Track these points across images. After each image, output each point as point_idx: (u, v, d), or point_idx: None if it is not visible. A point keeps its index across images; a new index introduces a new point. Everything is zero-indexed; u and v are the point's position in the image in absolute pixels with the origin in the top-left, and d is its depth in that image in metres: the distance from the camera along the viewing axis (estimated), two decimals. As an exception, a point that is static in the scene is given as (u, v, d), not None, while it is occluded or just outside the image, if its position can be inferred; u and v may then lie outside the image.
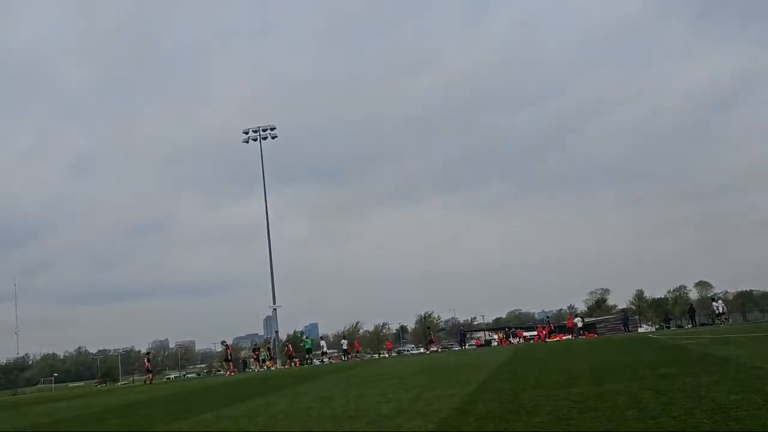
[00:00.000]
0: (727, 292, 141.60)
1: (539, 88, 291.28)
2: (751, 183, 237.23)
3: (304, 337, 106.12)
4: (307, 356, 64.79)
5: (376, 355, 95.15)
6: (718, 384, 11.61)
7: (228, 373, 48.21)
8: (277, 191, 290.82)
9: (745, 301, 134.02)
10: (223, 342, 57.41)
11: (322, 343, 69.80)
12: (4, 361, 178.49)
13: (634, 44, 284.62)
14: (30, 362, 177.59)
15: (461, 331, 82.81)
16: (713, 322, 60.41)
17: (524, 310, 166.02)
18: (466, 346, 74.63)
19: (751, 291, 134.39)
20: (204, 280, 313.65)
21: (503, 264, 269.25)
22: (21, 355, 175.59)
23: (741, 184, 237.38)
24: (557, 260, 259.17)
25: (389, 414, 12.19)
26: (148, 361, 53.57)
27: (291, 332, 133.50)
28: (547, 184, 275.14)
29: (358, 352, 70.81)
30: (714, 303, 50.62)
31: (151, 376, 51.45)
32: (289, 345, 61.30)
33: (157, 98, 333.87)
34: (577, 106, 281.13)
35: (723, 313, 51.35)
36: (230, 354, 51.90)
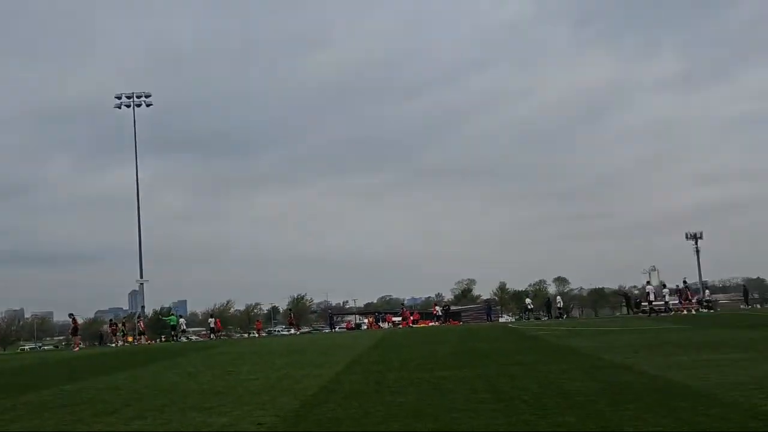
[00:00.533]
0: (581, 288, 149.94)
1: (424, 81, 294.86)
2: (610, 189, 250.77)
3: (171, 313, 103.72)
4: (173, 333, 63.58)
5: (246, 335, 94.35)
6: (565, 372, 12.51)
7: (75, 347, 46.54)
8: (157, 161, 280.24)
9: (597, 298, 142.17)
10: (70, 315, 55.22)
11: (182, 320, 68.05)
12: None
13: (519, 46, 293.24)
14: None
15: (330, 314, 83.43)
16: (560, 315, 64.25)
17: (395, 296, 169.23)
18: (336, 329, 75.32)
19: (603, 288, 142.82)
20: (68, 249, 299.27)
21: (377, 251, 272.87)
22: None
23: (602, 189, 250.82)
24: (430, 249, 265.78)
25: (257, 391, 12.38)
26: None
27: (158, 308, 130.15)
28: (426, 176, 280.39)
29: (220, 331, 69.42)
30: (648, 287, 52.24)
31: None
32: (141, 320, 58.82)
33: (32, 57, 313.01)
34: (461, 102, 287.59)
35: (655, 301, 52.27)
36: (77, 328, 50.04)
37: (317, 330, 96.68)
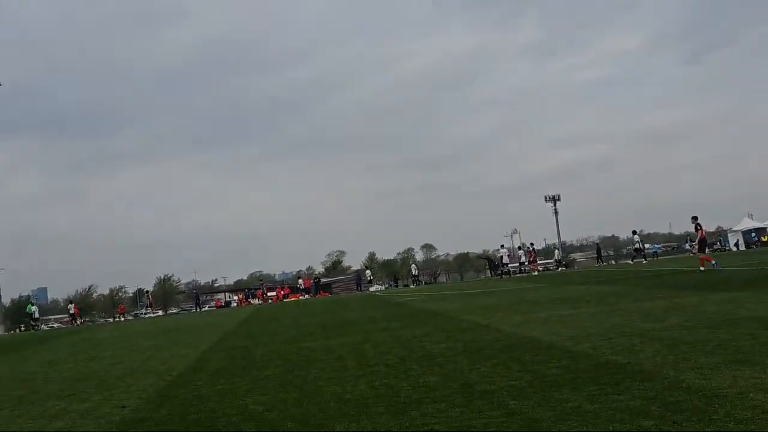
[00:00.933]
0: (448, 254, 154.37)
1: (286, 54, 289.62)
2: (472, 155, 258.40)
3: (30, 302, 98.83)
4: (32, 322, 60.98)
5: (111, 319, 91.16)
6: (428, 335, 13.00)
7: None
8: (10, 144, 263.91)
9: (462, 262, 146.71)
10: None
11: (34, 308, 64.99)
12: None
13: (379, 15, 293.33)
14: None
15: (195, 293, 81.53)
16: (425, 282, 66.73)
17: (266, 271, 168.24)
18: (205, 308, 74.01)
19: (467, 253, 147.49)
20: None
21: (246, 227, 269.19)
22: None
23: (467, 156, 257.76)
24: (299, 223, 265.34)
25: (121, 375, 12.14)
26: None
27: (17, 297, 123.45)
28: (293, 150, 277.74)
29: (77, 316, 66.73)
30: (501, 251, 53.63)
31: None
32: None
33: None
34: (326, 74, 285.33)
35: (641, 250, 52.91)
36: None
37: (185, 310, 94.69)
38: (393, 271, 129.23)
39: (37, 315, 63.06)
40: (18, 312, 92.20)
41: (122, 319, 67.16)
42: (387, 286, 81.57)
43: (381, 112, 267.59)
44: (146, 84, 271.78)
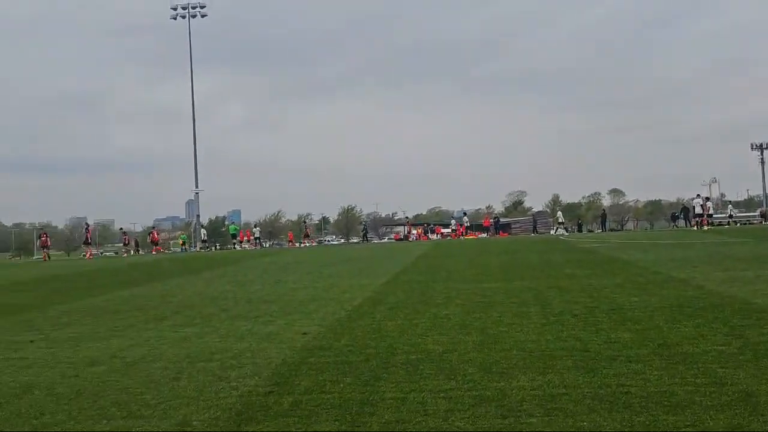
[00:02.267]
0: (637, 200, 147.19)
1: None
2: (675, 98, 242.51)
3: (227, 222, 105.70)
4: (233, 241, 65.70)
5: (297, 244, 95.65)
6: (620, 286, 12.19)
7: (87, 255, 47.49)
8: (221, 72, 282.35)
9: (653, 210, 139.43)
10: (85, 224, 56.50)
11: (256, 229, 69.45)
12: None
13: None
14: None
15: (364, 225, 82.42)
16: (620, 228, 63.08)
17: (444, 208, 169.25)
18: (384, 240, 75.66)
19: (659, 200, 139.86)
20: (131, 158, 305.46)
21: (429, 163, 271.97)
22: None
23: (665, 98, 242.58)
24: (481, 162, 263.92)
25: (303, 300, 12.41)
26: (46, 235, 52.30)
27: (213, 217, 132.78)
28: (482, 86, 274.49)
29: (291, 241, 70.92)
30: (696, 200, 50.12)
31: (45, 253, 50.27)
32: (154, 231, 57.86)
33: None
34: (522, 10, 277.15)
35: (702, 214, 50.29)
36: (89, 237, 51.00)
37: (366, 241, 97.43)
38: (577, 215, 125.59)
39: (258, 235, 67.65)
40: (215, 231, 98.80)
41: (299, 245, 69.99)
42: (569, 230, 79.17)
43: (580, 50, 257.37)
44: (343, 22, 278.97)
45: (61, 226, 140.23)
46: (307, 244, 66.92)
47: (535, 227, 69.04)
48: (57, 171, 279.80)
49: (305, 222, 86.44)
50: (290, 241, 76.88)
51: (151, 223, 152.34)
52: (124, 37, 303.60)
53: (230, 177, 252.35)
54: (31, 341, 9.06)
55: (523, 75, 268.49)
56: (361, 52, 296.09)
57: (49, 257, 48.43)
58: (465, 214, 72.43)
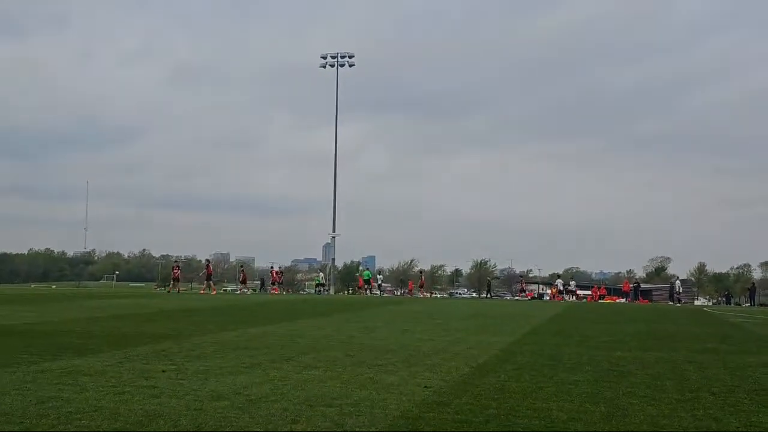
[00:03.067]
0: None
1: (651, 44, 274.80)
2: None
3: (361, 268, 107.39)
4: (366, 287, 66.82)
5: (428, 294, 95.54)
6: (766, 366, 11.33)
7: (203, 291, 48.62)
8: (369, 120, 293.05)
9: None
10: (206, 261, 58.20)
11: (380, 276, 70.38)
12: (71, 254, 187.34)
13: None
14: (96, 258, 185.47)
15: (488, 280, 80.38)
16: None
17: (582, 268, 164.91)
18: (518, 297, 74.17)
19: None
20: (274, 200, 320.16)
21: (571, 220, 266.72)
22: (88, 250, 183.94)
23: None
24: (626, 222, 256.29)
25: (428, 352, 12.29)
26: (178, 269, 54.50)
27: (348, 262, 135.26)
28: (633, 145, 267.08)
29: (410, 291, 71.06)
30: None
31: (208, 284, 52.58)
32: (209, 265, 57.71)
33: (268, 17, 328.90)
34: (687, 68, 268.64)
35: None
36: (210, 273, 52.36)
37: (498, 297, 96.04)
38: (724, 286, 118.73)
39: (381, 282, 68.58)
40: (348, 275, 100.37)
41: (410, 294, 69.76)
42: (716, 301, 74.83)
43: (746, 112, 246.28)
44: (501, 71, 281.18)
45: (203, 260, 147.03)
46: (421, 295, 66.69)
47: (671, 295, 65.50)
48: (207, 209, 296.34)
49: (421, 272, 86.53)
50: (410, 290, 76.38)
51: (288, 264, 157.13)
52: (279, 84, 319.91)
53: (369, 223, 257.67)
54: (163, 371, 9.43)
55: (678, 136, 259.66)
56: (512, 107, 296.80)
57: (178, 290, 50.22)
58: (602, 276, 69.76)
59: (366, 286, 65.29)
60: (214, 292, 49.99)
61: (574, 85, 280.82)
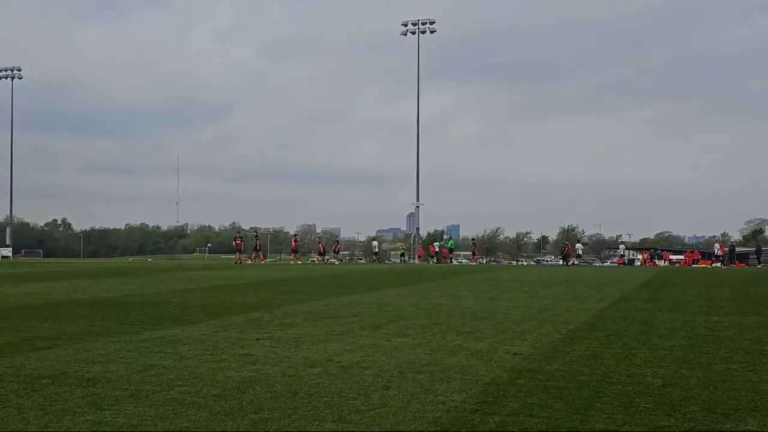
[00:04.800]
0: None
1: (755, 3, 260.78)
2: None
3: (445, 237, 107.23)
4: (451, 255, 66.93)
5: (514, 262, 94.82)
6: None
7: (251, 261, 48.76)
8: (461, 88, 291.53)
9: None
10: (255, 230, 58.73)
11: (437, 243, 68.39)
12: (165, 228, 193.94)
13: None
14: (188, 231, 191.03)
15: (565, 245, 77.98)
16: None
17: (674, 233, 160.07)
18: (607, 263, 72.81)
19: None
20: (362, 171, 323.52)
21: (663, 184, 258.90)
22: (181, 224, 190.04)
23: None
24: (721, 185, 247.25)
25: (517, 320, 12.23)
26: (296, 242, 56.91)
27: (432, 231, 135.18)
28: (735, 107, 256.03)
29: (427, 256, 68.13)
30: None
31: (295, 256, 54.12)
32: (258, 236, 56.80)
33: None
34: None
35: None
36: (258, 243, 52.75)
37: (586, 263, 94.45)
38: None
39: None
40: (432, 244, 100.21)
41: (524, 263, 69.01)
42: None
43: None
44: (592, 36, 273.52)
45: (292, 232, 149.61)
46: (473, 262, 65.43)
47: (758, 258, 62.69)
48: (297, 181, 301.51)
49: (473, 240, 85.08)
50: (431, 255, 72.23)
51: (373, 234, 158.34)
52: (370, 54, 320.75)
53: (455, 192, 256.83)
54: (257, 339, 9.70)
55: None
56: (607, 71, 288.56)
57: (240, 260, 49.96)
58: (696, 241, 67.45)
59: (450, 255, 65.19)
60: (263, 262, 50.51)
61: (671, 48, 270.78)
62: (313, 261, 61.66)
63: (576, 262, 62.57)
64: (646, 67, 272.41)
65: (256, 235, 55.46)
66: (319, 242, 64.68)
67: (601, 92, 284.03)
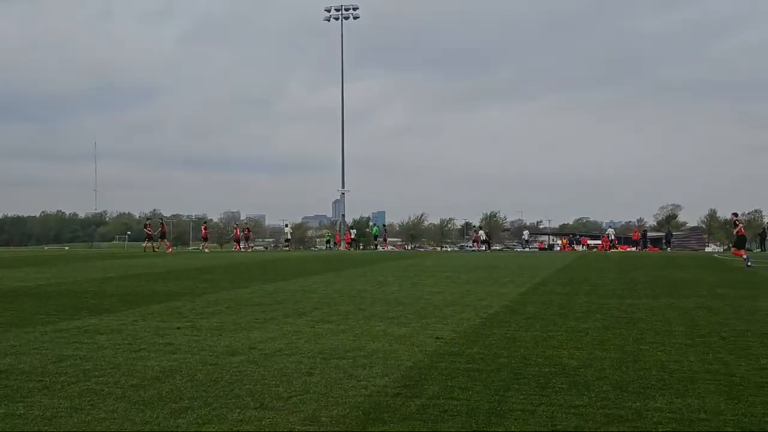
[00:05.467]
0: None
1: None
2: None
3: (371, 224, 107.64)
4: (375, 242, 67.18)
5: (438, 248, 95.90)
6: (776, 310, 11.38)
7: (156, 248, 47.99)
8: (388, 75, 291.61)
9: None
10: (160, 219, 57.85)
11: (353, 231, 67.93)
12: (83, 215, 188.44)
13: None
14: (107, 219, 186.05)
15: (477, 229, 79.95)
16: None
17: (592, 219, 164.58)
18: (521, 249, 74.29)
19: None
20: (288, 158, 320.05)
21: (583, 171, 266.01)
22: (99, 211, 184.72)
23: None
24: (638, 171, 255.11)
25: (439, 304, 12.40)
26: (205, 229, 54.77)
27: (357, 217, 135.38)
28: (655, 94, 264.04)
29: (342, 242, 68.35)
30: None
31: (204, 244, 52.25)
32: (163, 223, 56.02)
33: None
34: (715, 17, 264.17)
35: None
36: (165, 232, 51.82)
37: (508, 248, 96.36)
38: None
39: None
40: (358, 230, 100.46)
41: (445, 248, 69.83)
42: (726, 248, 74.58)
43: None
44: (529, 25, 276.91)
45: (215, 220, 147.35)
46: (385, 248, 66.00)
47: (668, 241, 65.12)
48: (221, 168, 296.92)
49: (384, 226, 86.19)
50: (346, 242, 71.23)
51: (299, 221, 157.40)
52: (296, 40, 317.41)
53: (382, 179, 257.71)
54: (178, 328, 9.56)
55: (702, 83, 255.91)
56: (535, 60, 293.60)
57: (149, 247, 48.35)
58: (611, 226, 69.73)
59: (375, 241, 65.49)
60: (169, 250, 49.20)
61: (595, 37, 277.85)
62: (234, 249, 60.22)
63: (483, 248, 63.69)
64: (569, 56, 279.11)
65: (162, 222, 53.97)
66: (236, 228, 63.23)
67: (529, 80, 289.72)
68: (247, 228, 63.67)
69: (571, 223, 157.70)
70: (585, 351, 7.72)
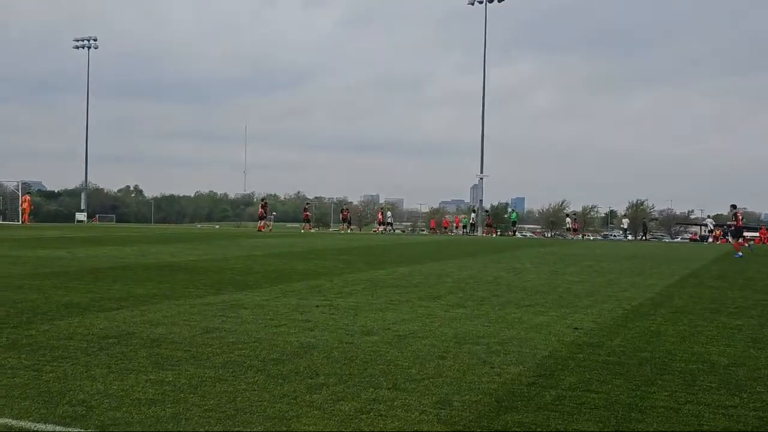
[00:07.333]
0: None
1: None
2: None
3: (509, 209, 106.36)
4: (513, 228, 66.70)
5: (581, 236, 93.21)
6: None
7: (266, 228, 47.17)
8: (541, 59, 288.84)
9: None
10: (263, 199, 56.66)
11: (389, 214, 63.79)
12: (233, 196, 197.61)
13: None
14: (254, 200, 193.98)
15: (644, 222, 76.07)
16: None
17: (749, 209, 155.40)
18: (669, 239, 71.00)
19: None
20: (429, 141, 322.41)
21: (743, 159, 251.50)
22: (248, 192, 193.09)
23: None
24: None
25: (579, 294, 12.03)
26: (306, 211, 54.56)
27: (496, 203, 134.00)
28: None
29: (432, 228, 66.16)
30: None
31: (263, 223, 51.41)
32: (264, 204, 54.31)
33: None
34: None
35: None
36: (265, 211, 50.94)
37: (656, 238, 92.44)
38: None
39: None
40: (495, 216, 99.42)
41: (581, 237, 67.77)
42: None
43: None
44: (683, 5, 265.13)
45: (355, 202, 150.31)
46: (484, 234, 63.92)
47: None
48: (366, 150, 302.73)
49: (488, 212, 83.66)
50: (432, 228, 71.24)
51: (436, 206, 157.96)
52: (449, 24, 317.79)
53: (525, 164, 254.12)
54: (317, 306, 9.78)
55: None
56: (698, 42, 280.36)
57: (265, 228, 48.54)
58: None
59: (513, 228, 64.85)
60: (270, 229, 49.25)
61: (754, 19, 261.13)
62: (374, 231, 61.06)
63: (572, 237, 61.37)
64: (735, 38, 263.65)
65: (264, 203, 53.37)
66: (380, 212, 63.94)
67: (686, 64, 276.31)
68: (381, 210, 64.14)
69: (725, 213, 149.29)
70: (737, 348, 7.24)
